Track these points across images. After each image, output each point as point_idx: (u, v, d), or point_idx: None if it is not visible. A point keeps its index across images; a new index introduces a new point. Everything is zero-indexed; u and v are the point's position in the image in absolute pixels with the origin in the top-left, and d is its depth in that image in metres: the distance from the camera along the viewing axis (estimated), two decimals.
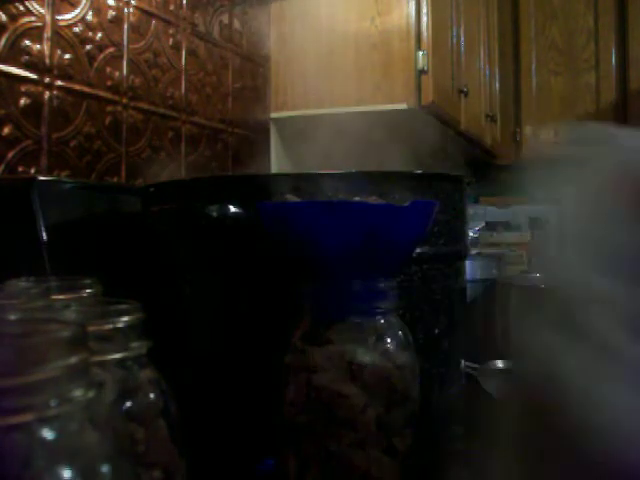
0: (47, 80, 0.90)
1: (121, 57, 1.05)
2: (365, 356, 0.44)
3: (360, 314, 0.45)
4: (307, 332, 0.46)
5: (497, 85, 2.64)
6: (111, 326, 0.35)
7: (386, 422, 0.45)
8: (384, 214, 0.45)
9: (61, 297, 0.41)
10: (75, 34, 0.95)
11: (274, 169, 1.55)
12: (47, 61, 0.90)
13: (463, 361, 0.71)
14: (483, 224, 2.35)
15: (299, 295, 0.47)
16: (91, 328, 0.32)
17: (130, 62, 1.07)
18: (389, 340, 0.46)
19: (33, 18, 0.88)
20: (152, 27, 1.12)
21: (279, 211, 0.43)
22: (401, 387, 0.46)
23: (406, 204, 0.46)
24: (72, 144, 0.94)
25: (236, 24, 1.40)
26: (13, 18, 0.85)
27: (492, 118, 2.43)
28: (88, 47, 0.98)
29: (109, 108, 1.02)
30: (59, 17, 0.92)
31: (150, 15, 1.12)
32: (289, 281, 0.46)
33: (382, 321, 0.46)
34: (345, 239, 0.44)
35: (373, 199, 0.51)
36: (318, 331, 0.46)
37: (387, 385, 0.45)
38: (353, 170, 0.62)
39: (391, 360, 0.46)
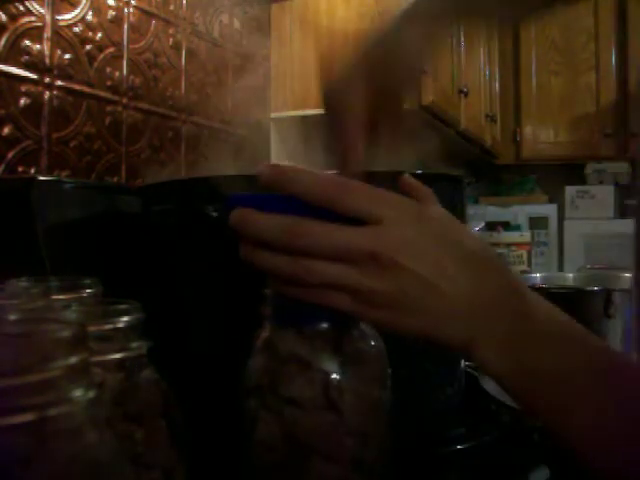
0: (47, 80, 0.90)
1: (121, 57, 1.05)
2: (340, 375, 0.40)
3: (329, 320, 0.41)
4: (268, 343, 0.43)
5: (497, 85, 2.64)
6: (111, 326, 0.35)
7: (362, 456, 0.41)
8: None
9: (61, 297, 0.41)
10: (75, 34, 0.95)
11: None
12: (47, 61, 0.90)
13: (463, 361, 0.71)
14: (483, 224, 2.35)
15: (260, 299, 0.43)
16: (91, 328, 0.32)
17: (130, 62, 1.07)
18: (361, 352, 0.42)
19: (33, 18, 0.88)
20: (152, 27, 1.12)
21: (249, 204, 0.39)
22: (375, 412, 0.42)
23: None
24: (72, 144, 0.94)
25: (236, 24, 1.40)
26: (13, 18, 0.85)
27: (492, 118, 2.43)
28: (88, 47, 0.98)
29: (109, 108, 1.02)
30: (59, 17, 0.92)
31: (150, 15, 1.12)
32: (255, 283, 0.43)
33: (354, 330, 0.42)
34: None
35: None
36: (280, 342, 0.42)
37: (364, 411, 0.41)
38: None
39: (365, 378, 0.42)
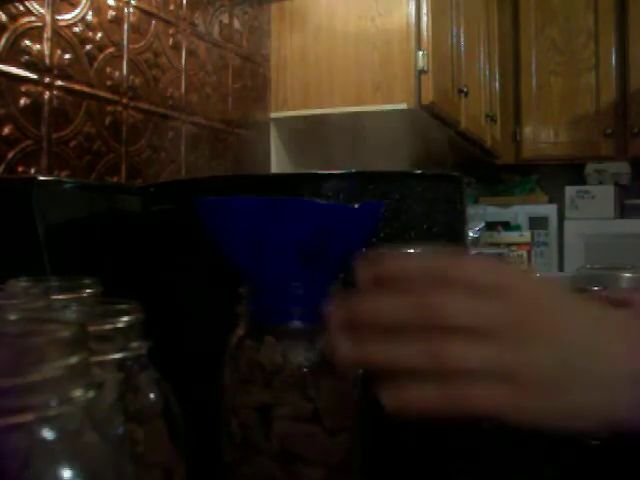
0: (47, 80, 0.90)
1: (121, 57, 1.05)
2: (316, 372, 0.41)
3: (303, 318, 0.42)
4: (246, 337, 0.43)
5: (497, 85, 2.64)
6: (111, 326, 0.35)
7: (340, 454, 0.42)
8: (333, 214, 0.43)
9: (61, 297, 0.41)
10: (75, 34, 0.95)
11: (274, 169, 1.55)
12: (47, 61, 0.90)
13: None
14: (483, 224, 2.35)
15: (237, 298, 0.44)
16: (91, 328, 0.32)
17: (130, 62, 1.07)
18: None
19: (33, 18, 0.88)
20: (152, 27, 1.12)
21: (221, 207, 0.39)
22: (349, 410, 0.43)
23: (356, 205, 0.43)
24: (72, 144, 0.94)
25: (236, 24, 1.40)
26: (13, 18, 0.85)
27: (492, 118, 2.43)
28: (88, 47, 0.97)
29: (109, 108, 1.02)
30: (59, 17, 0.92)
31: (150, 15, 1.12)
32: (229, 283, 0.43)
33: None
34: (291, 238, 0.41)
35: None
36: (258, 343, 0.42)
37: (340, 408, 0.42)
38: (353, 170, 0.62)
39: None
